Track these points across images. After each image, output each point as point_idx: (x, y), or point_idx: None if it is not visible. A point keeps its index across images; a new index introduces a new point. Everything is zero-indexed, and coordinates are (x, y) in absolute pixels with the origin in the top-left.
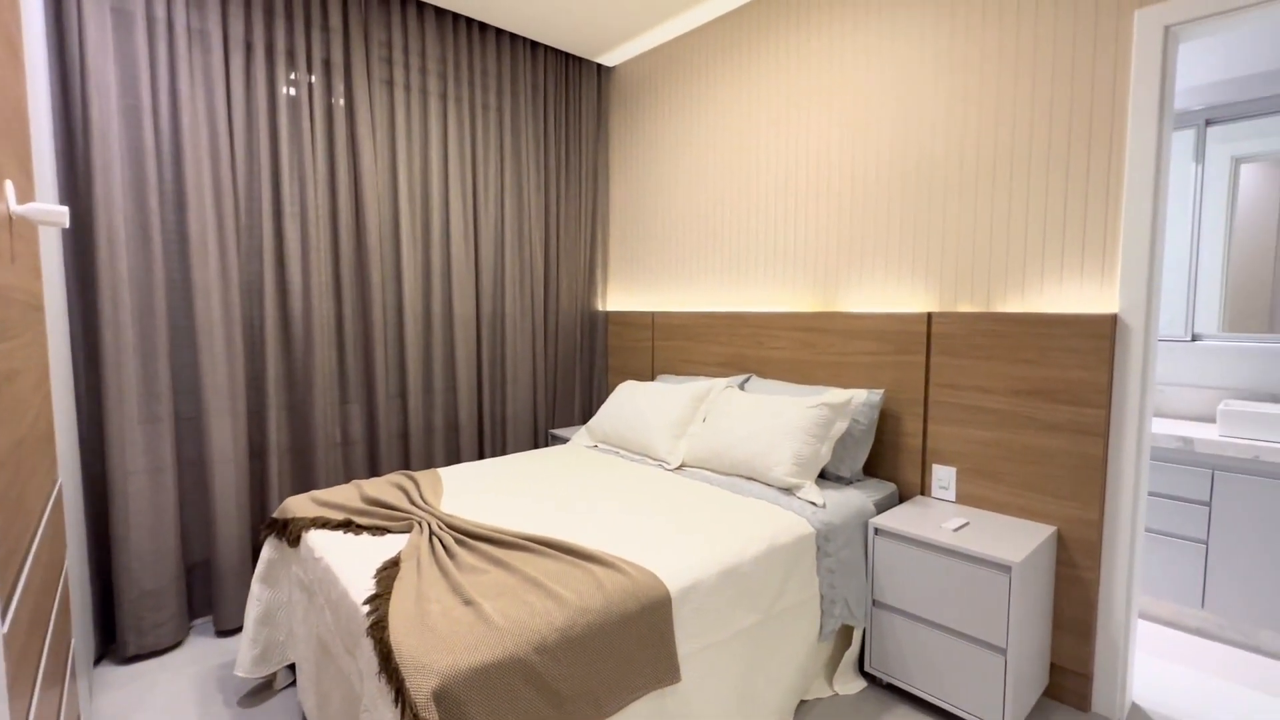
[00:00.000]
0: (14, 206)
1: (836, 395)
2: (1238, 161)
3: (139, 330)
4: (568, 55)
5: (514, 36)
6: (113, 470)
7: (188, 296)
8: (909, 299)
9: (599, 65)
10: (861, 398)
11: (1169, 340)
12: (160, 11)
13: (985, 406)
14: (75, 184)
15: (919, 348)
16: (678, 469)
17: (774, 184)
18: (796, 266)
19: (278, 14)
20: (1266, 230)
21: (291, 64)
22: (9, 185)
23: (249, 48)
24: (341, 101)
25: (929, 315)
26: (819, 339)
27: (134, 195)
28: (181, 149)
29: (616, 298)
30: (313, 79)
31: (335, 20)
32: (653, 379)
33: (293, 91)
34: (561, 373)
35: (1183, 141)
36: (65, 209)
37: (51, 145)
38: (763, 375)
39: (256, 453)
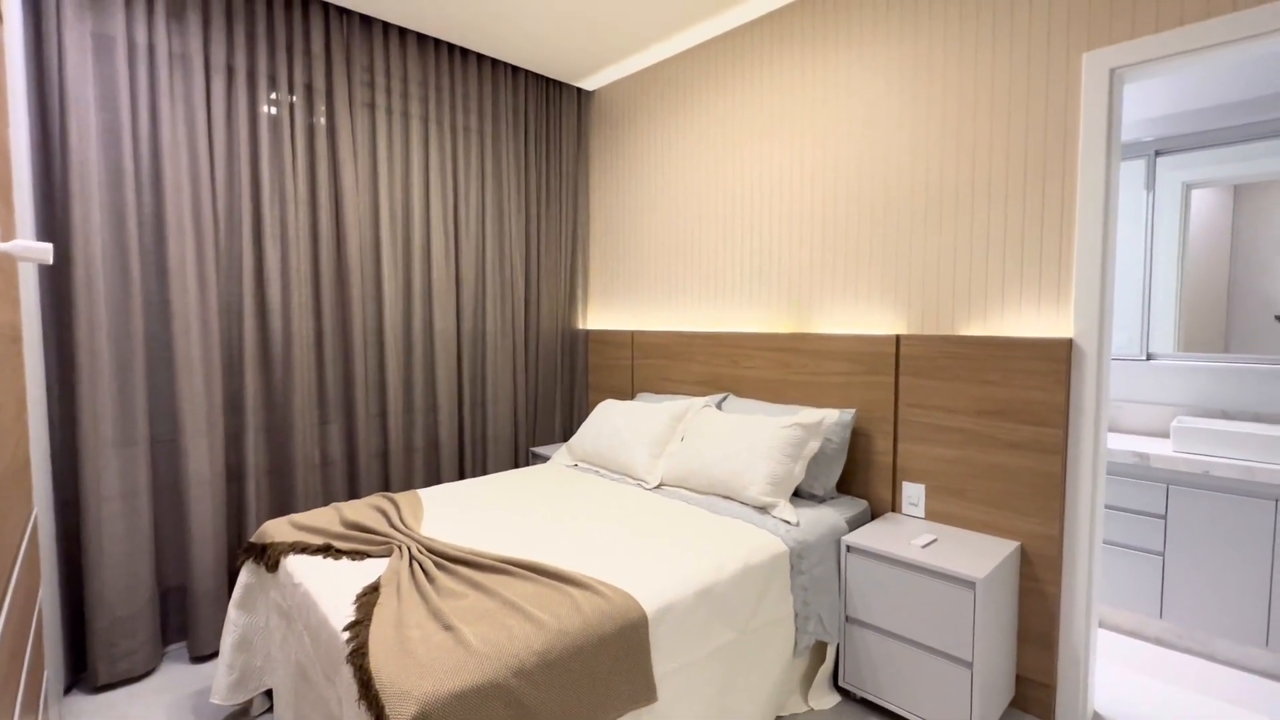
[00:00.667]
0: None
1: (809, 415)
2: (1189, 187)
3: (115, 353)
4: (548, 79)
5: (495, 61)
6: (86, 495)
7: (165, 318)
8: (879, 322)
9: (579, 89)
10: (834, 418)
11: (1125, 359)
12: (141, 37)
13: (951, 426)
14: (53, 208)
15: (888, 369)
16: (656, 488)
17: (749, 208)
18: (771, 289)
19: (260, 39)
20: (1218, 253)
21: (273, 88)
22: None
23: (230, 72)
24: (323, 120)
25: (897, 338)
26: (793, 359)
27: (112, 218)
28: (161, 172)
29: (597, 317)
30: (294, 100)
31: (317, 46)
32: (632, 397)
33: (274, 111)
34: (542, 391)
35: (1135, 170)
36: (49, 246)
37: (30, 170)
38: (739, 394)
39: (234, 475)
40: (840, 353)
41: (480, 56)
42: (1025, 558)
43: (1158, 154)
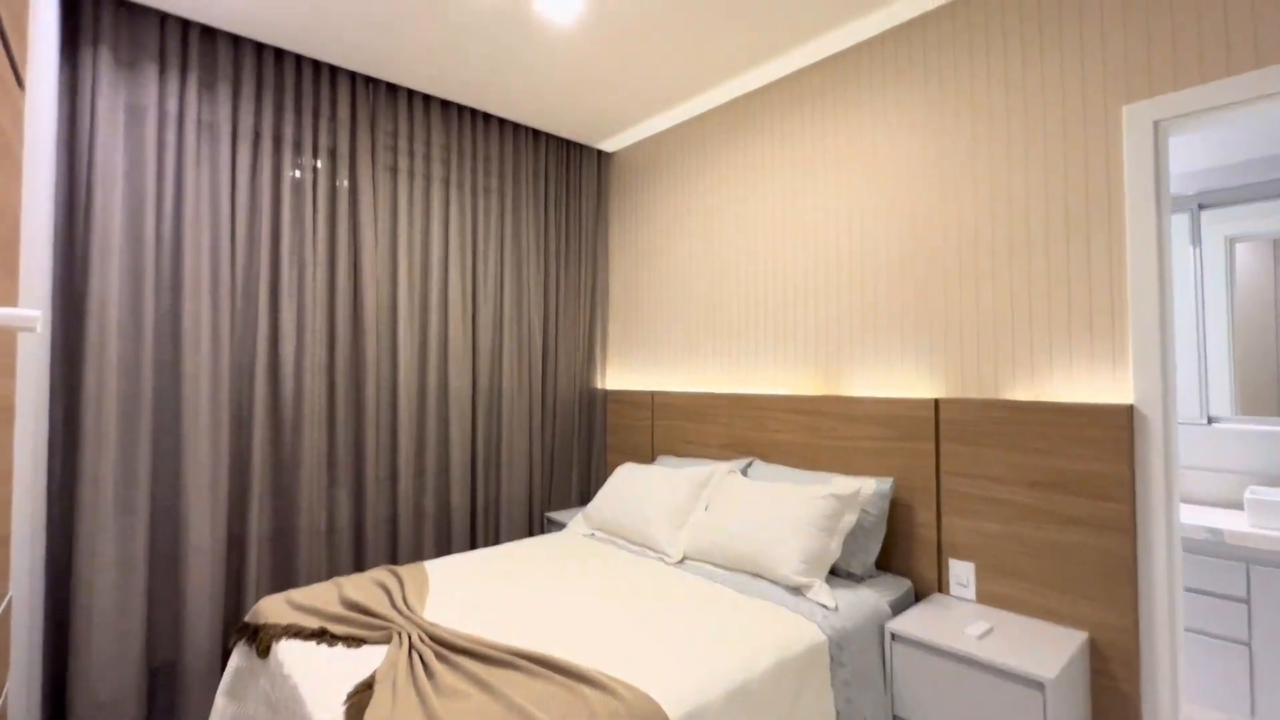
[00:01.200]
0: None
1: (845, 485)
2: (1232, 241)
3: (122, 415)
4: (568, 142)
5: (516, 125)
6: (79, 566)
7: (176, 380)
8: (914, 384)
9: (599, 151)
10: (871, 488)
11: (1186, 424)
12: (172, 106)
13: (1001, 498)
14: (72, 272)
15: (927, 434)
16: (679, 563)
17: (775, 267)
18: (798, 349)
19: (287, 106)
20: (1265, 309)
21: (298, 153)
22: None
23: (257, 137)
24: (345, 183)
25: (936, 402)
26: (822, 423)
27: (129, 282)
28: (182, 236)
29: (616, 376)
30: (318, 165)
31: (344, 112)
32: (653, 460)
33: (298, 174)
34: (559, 452)
35: (1179, 224)
36: (36, 313)
37: (51, 235)
38: (766, 459)
39: (235, 542)
40: (873, 416)
41: (502, 120)
42: (1096, 651)
43: (1201, 207)
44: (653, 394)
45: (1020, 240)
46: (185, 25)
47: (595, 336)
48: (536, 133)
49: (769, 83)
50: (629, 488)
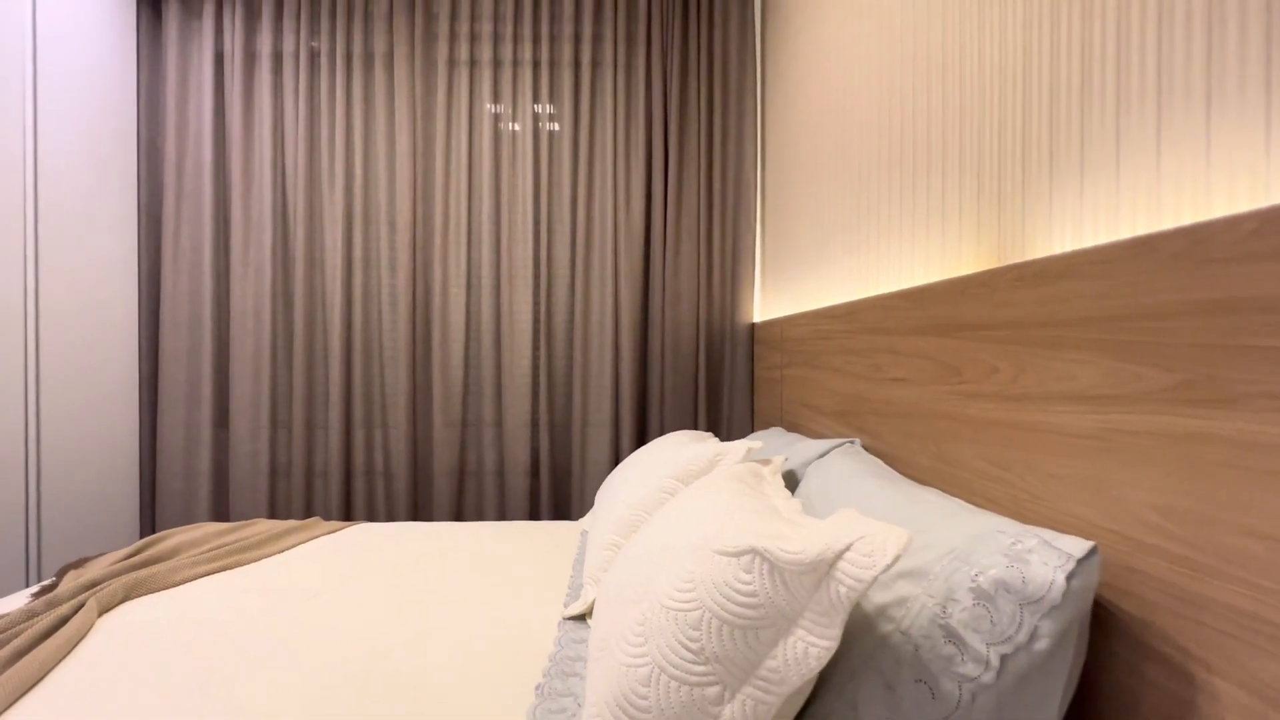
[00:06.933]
0: None
1: (865, 538)
2: None
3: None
4: None
5: None
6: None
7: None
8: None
9: None
10: (995, 568)
11: None
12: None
13: None
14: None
15: None
16: (576, 620)
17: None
18: (954, 180)
19: (321, 16)
20: None
21: (347, 65)
22: None
23: (313, 56)
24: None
25: None
26: (974, 349)
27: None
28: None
29: (772, 303)
30: (359, 75)
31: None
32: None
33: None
34: (671, 413)
35: None
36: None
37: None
38: (876, 436)
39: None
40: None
41: None
42: None
43: None
44: (782, 322)
45: None
46: None
47: (741, 243)
48: None
49: None
50: (617, 478)
